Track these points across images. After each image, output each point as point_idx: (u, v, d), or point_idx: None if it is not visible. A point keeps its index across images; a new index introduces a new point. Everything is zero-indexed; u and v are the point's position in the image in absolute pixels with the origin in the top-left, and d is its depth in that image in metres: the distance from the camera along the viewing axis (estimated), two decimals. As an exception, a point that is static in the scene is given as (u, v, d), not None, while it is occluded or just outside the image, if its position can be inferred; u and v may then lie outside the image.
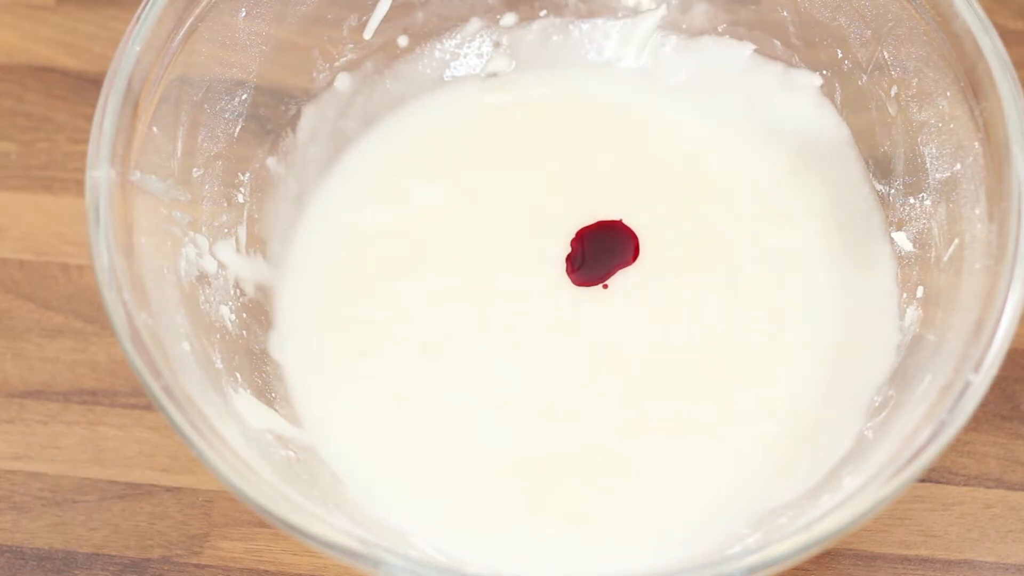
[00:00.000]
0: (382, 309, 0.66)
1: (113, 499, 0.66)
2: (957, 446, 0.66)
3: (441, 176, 0.69)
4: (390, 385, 0.64)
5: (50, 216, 0.72)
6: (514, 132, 0.70)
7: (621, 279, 0.66)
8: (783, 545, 0.52)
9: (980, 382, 0.54)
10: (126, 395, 0.68)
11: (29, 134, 0.74)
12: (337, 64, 0.69)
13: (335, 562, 0.62)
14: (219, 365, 0.60)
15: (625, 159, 0.69)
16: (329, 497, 0.58)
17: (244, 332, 0.63)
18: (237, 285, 0.64)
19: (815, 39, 0.68)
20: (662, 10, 0.71)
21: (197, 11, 0.61)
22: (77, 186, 0.72)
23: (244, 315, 0.64)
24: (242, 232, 0.65)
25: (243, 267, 0.65)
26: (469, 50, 0.72)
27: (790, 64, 0.69)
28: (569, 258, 0.66)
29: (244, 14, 0.65)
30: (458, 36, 0.71)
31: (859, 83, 0.66)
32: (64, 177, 0.73)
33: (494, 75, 0.72)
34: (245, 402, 0.60)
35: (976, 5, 0.59)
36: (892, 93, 0.65)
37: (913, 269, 0.64)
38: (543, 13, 0.72)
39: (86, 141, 0.57)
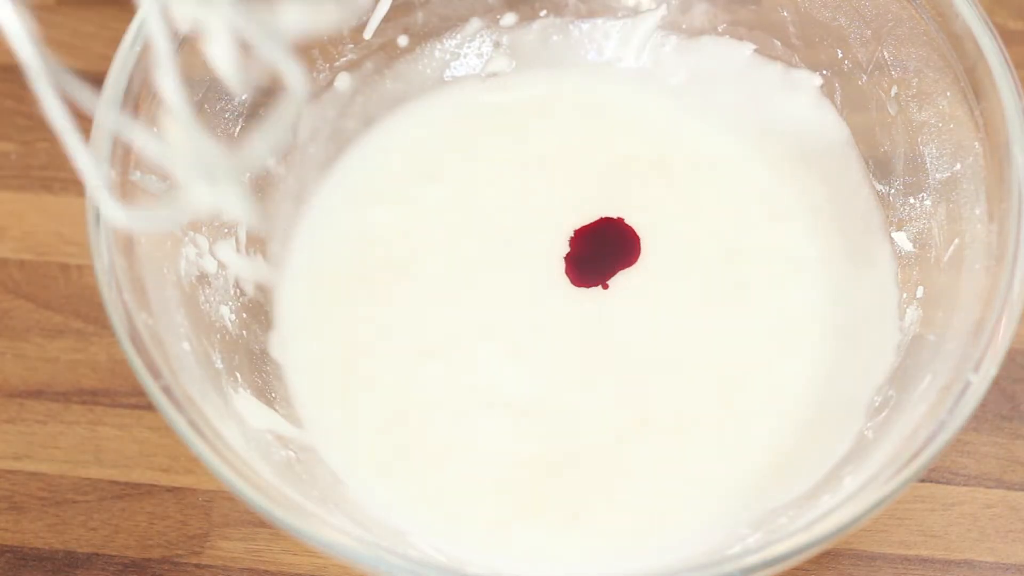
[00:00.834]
0: (382, 309, 0.66)
1: (113, 499, 0.66)
2: (957, 446, 0.66)
3: (441, 176, 0.69)
4: (390, 385, 0.64)
5: (50, 216, 0.72)
6: (514, 132, 0.70)
7: (621, 279, 0.66)
8: (783, 545, 0.52)
9: (980, 382, 0.54)
10: (126, 395, 0.68)
11: (29, 134, 0.74)
12: (337, 64, 0.69)
13: (335, 562, 0.62)
14: (219, 365, 0.60)
15: (625, 159, 0.69)
16: (329, 497, 0.58)
17: (244, 332, 0.63)
18: (237, 285, 0.64)
19: (815, 39, 0.68)
20: (662, 10, 0.71)
21: (198, 11, 0.61)
22: (77, 186, 0.72)
23: (244, 315, 0.64)
24: (242, 232, 0.65)
25: (243, 267, 0.65)
26: (469, 50, 0.72)
27: (790, 64, 0.69)
28: (568, 257, 0.66)
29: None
30: (458, 36, 0.71)
31: (859, 83, 0.66)
32: (64, 177, 0.73)
33: (494, 75, 0.72)
34: (245, 402, 0.60)
35: (976, 5, 0.59)
36: (892, 93, 0.65)
37: (913, 269, 0.64)
38: (543, 13, 0.72)
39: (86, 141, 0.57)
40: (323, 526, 0.53)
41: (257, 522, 0.64)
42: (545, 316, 0.65)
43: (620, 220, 0.67)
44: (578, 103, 0.71)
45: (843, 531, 0.52)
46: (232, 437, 0.55)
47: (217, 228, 0.64)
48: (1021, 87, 0.58)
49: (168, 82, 0.43)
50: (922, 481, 0.65)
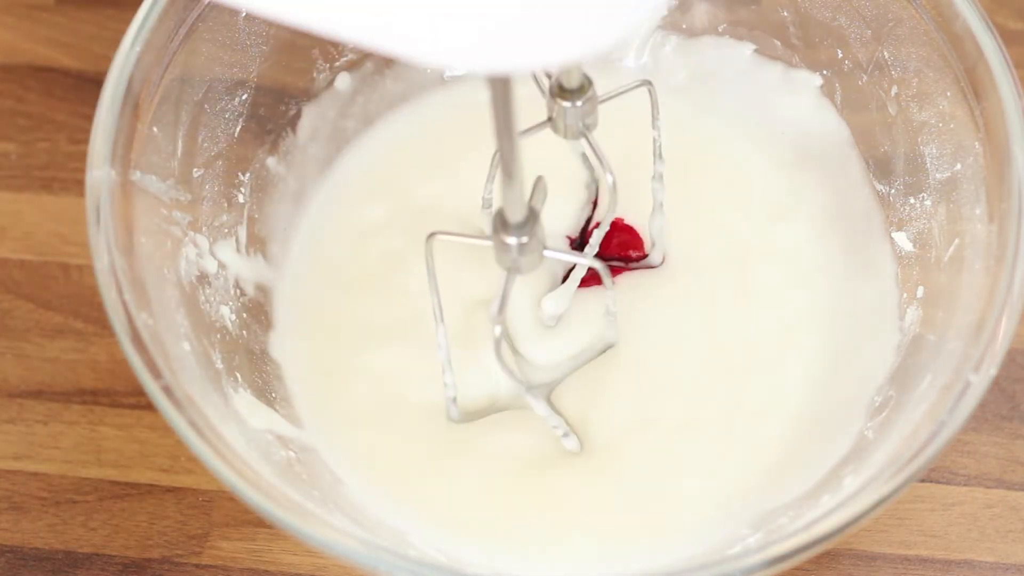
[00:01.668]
0: (382, 309, 0.66)
1: (113, 499, 0.66)
2: (957, 446, 0.66)
3: (441, 175, 0.69)
4: (390, 385, 0.64)
5: (50, 216, 0.72)
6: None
7: (621, 279, 0.66)
8: (783, 545, 0.52)
9: (980, 382, 0.54)
10: (126, 395, 0.68)
11: (29, 134, 0.74)
12: (337, 64, 0.69)
13: (335, 562, 0.62)
14: (219, 365, 0.60)
15: (625, 159, 0.69)
16: (329, 497, 0.58)
17: (244, 332, 0.63)
18: (237, 285, 0.64)
19: (815, 39, 0.68)
20: (662, 10, 0.71)
21: (197, 11, 0.61)
22: (77, 186, 0.72)
23: (244, 315, 0.64)
24: (242, 232, 0.65)
25: (243, 267, 0.65)
26: (469, 50, 0.72)
27: (790, 64, 0.69)
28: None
29: (244, 14, 0.65)
30: (458, 36, 0.71)
31: (859, 83, 0.66)
32: (64, 177, 0.73)
33: (494, 75, 0.72)
34: (245, 402, 0.60)
35: (977, 5, 0.59)
36: (892, 93, 0.65)
37: (913, 269, 0.64)
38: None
39: (86, 141, 0.57)
40: (323, 526, 0.53)
41: (257, 522, 0.65)
42: (546, 315, 0.65)
43: (619, 221, 0.67)
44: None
45: (843, 531, 0.52)
46: (232, 437, 0.55)
47: (217, 228, 0.64)
48: (1021, 87, 0.58)
49: None
50: (922, 481, 0.65)
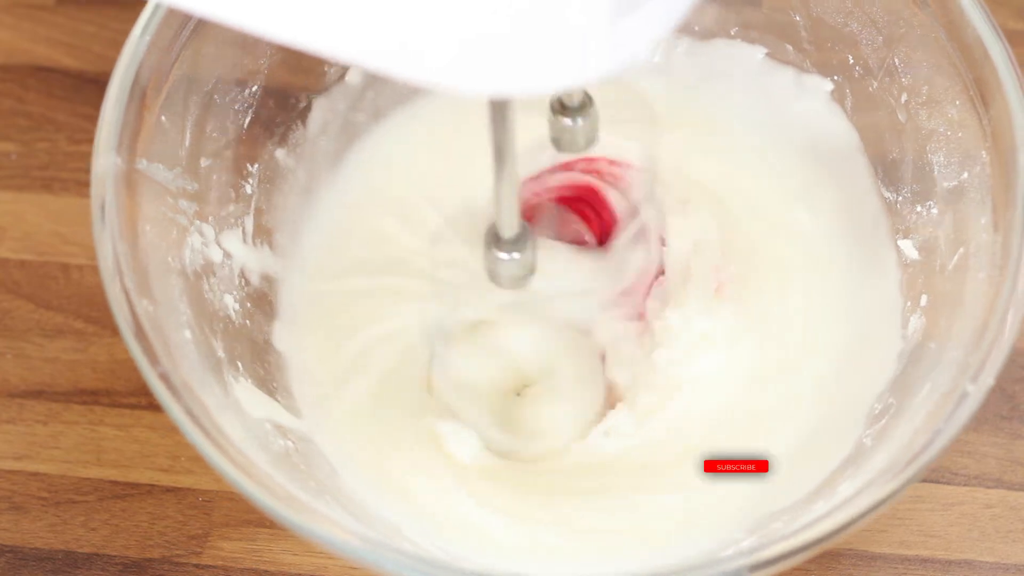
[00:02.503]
0: (387, 301, 0.66)
1: (113, 499, 0.66)
2: (957, 446, 0.65)
3: (451, 170, 0.69)
4: (392, 378, 0.64)
5: (50, 216, 0.72)
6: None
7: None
8: (774, 549, 0.52)
9: (977, 392, 0.53)
10: (126, 395, 0.67)
11: (29, 134, 0.74)
12: (349, 58, 0.69)
13: (336, 562, 0.62)
14: (221, 354, 0.60)
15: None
16: (326, 488, 0.58)
17: (248, 321, 0.64)
18: (242, 275, 0.64)
19: (827, 44, 0.67)
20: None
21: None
22: (77, 186, 0.72)
23: (248, 305, 0.64)
24: (249, 222, 0.65)
25: (249, 257, 0.65)
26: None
27: (801, 69, 0.69)
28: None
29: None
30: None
31: (870, 89, 0.66)
32: (64, 177, 0.73)
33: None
34: (245, 391, 0.60)
35: (987, 13, 0.59)
36: (902, 100, 0.64)
37: (918, 277, 0.63)
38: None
39: (86, 141, 0.57)
40: (321, 520, 0.53)
41: (257, 522, 0.64)
42: (547, 314, 0.65)
43: (593, 188, 0.66)
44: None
45: (835, 536, 0.52)
46: (230, 425, 0.55)
47: (224, 218, 0.64)
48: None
49: None
50: (922, 481, 0.65)
